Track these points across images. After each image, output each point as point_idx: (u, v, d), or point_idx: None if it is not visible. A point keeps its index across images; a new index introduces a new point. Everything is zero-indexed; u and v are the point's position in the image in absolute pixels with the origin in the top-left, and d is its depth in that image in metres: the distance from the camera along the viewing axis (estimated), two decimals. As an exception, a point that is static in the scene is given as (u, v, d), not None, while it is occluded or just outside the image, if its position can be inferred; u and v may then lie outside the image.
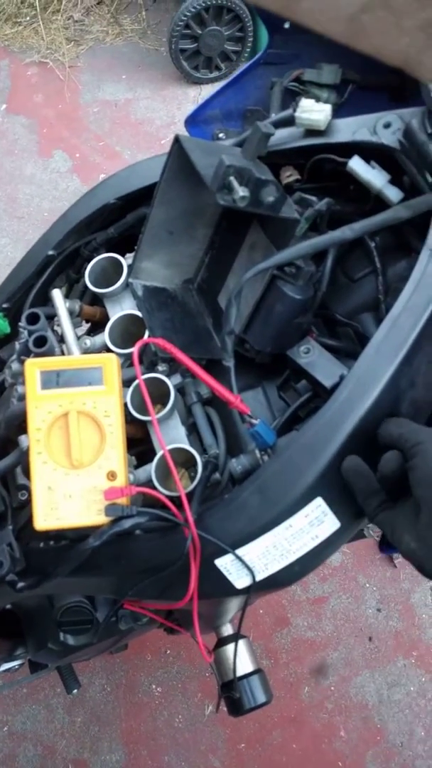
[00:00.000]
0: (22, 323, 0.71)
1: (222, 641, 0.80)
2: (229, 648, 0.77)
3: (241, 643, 0.76)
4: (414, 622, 1.33)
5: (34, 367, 0.61)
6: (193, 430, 0.72)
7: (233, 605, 0.73)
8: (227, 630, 0.81)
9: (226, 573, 0.59)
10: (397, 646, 1.32)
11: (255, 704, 0.73)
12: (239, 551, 0.57)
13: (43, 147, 2.20)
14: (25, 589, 0.65)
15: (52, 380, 0.61)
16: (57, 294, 0.78)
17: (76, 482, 0.59)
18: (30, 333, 0.69)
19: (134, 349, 0.62)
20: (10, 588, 0.66)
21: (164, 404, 0.68)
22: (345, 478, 0.54)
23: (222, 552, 0.58)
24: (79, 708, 1.35)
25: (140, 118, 2.24)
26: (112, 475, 0.59)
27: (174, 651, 1.37)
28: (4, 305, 0.84)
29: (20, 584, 0.65)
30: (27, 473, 0.73)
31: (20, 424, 0.75)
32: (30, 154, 2.18)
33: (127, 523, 0.57)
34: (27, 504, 0.76)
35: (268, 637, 1.34)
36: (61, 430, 0.60)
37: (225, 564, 0.58)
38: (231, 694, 0.72)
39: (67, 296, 0.85)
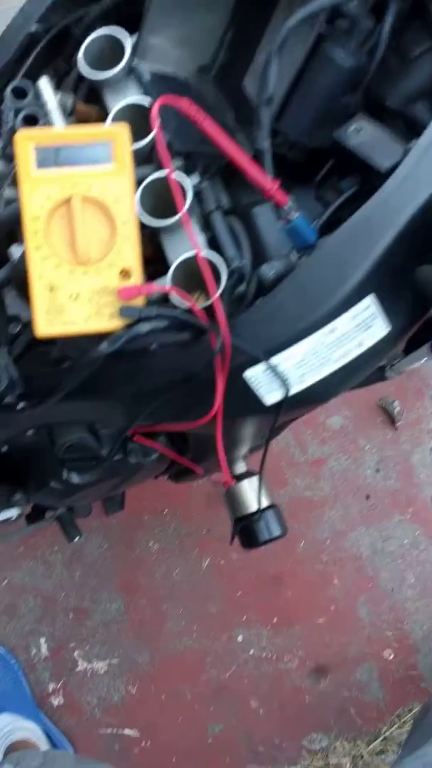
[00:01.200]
0: (6, 102, 0.58)
1: (235, 478, 0.76)
2: (243, 484, 0.74)
3: (256, 478, 0.73)
4: (412, 482, 1.35)
5: (28, 142, 0.50)
6: (211, 246, 0.63)
7: (249, 433, 0.68)
8: (240, 468, 0.77)
9: (255, 386, 0.52)
10: (394, 504, 1.34)
11: (271, 536, 0.72)
12: (273, 360, 0.51)
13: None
14: (27, 409, 0.58)
15: (50, 158, 0.50)
16: (45, 83, 0.65)
17: (83, 281, 0.51)
18: (17, 113, 0.57)
19: (154, 105, 0.51)
20: (9, 410, 0.60)
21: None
22: (421, 284, 0.46)
23: (253, 362, 0.51)
24: (77, 563, 1.36)
25: None
26: (125, 274, 0.51)
27: (171, 510, 1.37)
28: (-21, 100, 0.70)
29: (21, 404, 0.58)
30: (21, 291, 0.64)
31: (9, 234, 0.65)
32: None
33: (145, 327, 0.50)
34: (20, 335, 0.68)
35: (266, 497, 1.35)
36: (63, 219, 0.50)
37: (256, 375, 0.52)
38: (248, 524, 0.69)
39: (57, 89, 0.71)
